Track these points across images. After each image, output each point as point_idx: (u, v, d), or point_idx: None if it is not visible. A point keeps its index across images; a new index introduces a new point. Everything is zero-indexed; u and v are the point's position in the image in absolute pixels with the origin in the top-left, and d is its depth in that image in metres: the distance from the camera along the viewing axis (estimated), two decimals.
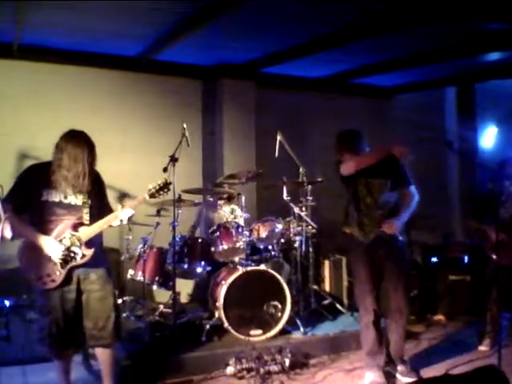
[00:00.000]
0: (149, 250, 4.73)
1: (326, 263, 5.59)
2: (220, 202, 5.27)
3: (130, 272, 4.78)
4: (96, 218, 3.27)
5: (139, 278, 4.69)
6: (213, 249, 4.73)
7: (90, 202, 3.27)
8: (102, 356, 3.34)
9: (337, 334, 4.65)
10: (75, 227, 3.19)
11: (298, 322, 4.62)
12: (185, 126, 4.39)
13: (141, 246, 4.79)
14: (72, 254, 3.15)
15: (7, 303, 4.15)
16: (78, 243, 3.17)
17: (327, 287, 5.57)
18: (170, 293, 4.75)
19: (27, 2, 3.95)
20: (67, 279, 3.17)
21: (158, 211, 4.85)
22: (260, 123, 6.34)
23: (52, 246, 3.12)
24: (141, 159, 5.78)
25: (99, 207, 3.36)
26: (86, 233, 3.20)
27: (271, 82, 6.56)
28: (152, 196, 3.37)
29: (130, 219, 3.37)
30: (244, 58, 5.94)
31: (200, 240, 4.85)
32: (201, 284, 5.34)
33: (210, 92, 6.34)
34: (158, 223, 4.89)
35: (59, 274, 3.14)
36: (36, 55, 5.37)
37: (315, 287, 5.21)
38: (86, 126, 3.34)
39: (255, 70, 6.28)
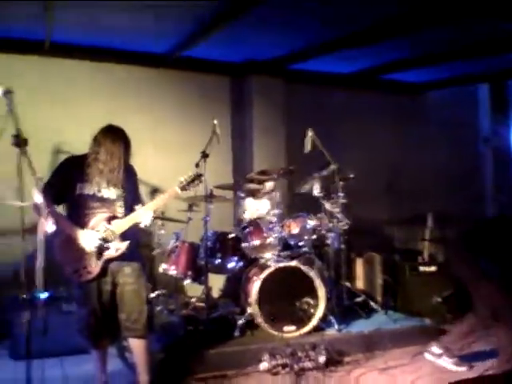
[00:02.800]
0: (181, 244, 4.75)
1: (359, 260, 5.53)
2: (251, 198, 5.24)
3: (163, 266, 4.79)
4: (129, 212, 3.30)
5: (171, 272, 4.71)
6: (244, 244, 4.72)
7: (123, 195, 3.31)
8: (136, 347, 3.37)
9: (371, 331, 4.58)
10: (109, 220, 3.22)
11: (332, 318, 4.57)
12: (215, 122, 4.39)
13: (173, 240, 4.82)
14: (106, 247, 3.18)
15: (44, 296, 4.19)
16: (112, 236, 3.20)
17: (360, 285, 5.50)
18: (202, 287, 4.77)
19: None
20: (103, 271, 3.22)
21: (190, 206, 4.87)
22: (289, 119, 6.30)
23: (88, 238, 3.15)
24: (172, 155, 5.80)
25: (132, 201, 3.39)
26: (120, 226, 3.23)
27: (300, 78, 6.52)
28: (183, 189, 3.39)
29: (153, 219, 3.36)
30: (272, 54, 5.90)
31: (231, 236, 4.84)
32: (232, 279, 5.34)
33: (238, 88, 6.32)
34: (189, 218, 4.91)
35: (95, 266, 3.18)
36: (67, 52, 5.42)
37: (348, 284, 5.15)
38: (117, 123, 3.37)
39: (284, 66, 6.24)
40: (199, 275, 4.68)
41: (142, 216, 3.28)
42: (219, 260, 4.67)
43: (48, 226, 2.67)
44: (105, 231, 3.19)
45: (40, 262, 2.37)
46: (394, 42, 5.16)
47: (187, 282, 4.78)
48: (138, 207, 3.33)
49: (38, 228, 2.41)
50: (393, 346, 4.47)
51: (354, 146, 6.66)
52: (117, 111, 5.41)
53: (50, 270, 3.06)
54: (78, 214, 3.23)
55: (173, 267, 4.68)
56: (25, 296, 2.46)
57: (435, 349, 4.05)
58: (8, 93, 2.35)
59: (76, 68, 5.53)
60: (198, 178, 3.43)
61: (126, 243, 3.25)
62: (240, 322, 4.37)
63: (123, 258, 3.27)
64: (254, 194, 5.16)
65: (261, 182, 5.17)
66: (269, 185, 5.00)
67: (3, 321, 4.33)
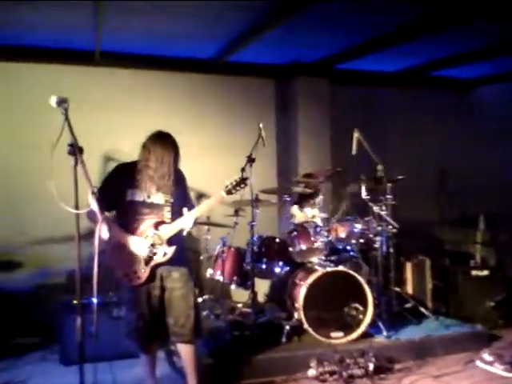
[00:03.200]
0: (227, 249, 4.75)
1: (408, 265, 5.37)
2: (297, 202, 5.18)
3: (209, 271, 4.82)
4: (177, 216, 3.33)
5: (218, 277, 4.72)
6: (290, 249, 4.68)
7: (171, 200, 3.33)
8: (184, 352, 3.39)
9: (422, 338, 4.45)
10: (157, 226, 3.25)
11: (381, 325, 4.46)
12: (261, 125, 4.35)
13: (219, 245, 4.82)
14: (155, 252, 3.21)
15: (95, 300, 4.28)
16: (159, 241, 3.23)
17: (410, 290, 5.35)
18: (248, 292, 4.75)
19: (106, 8, 4.07)
20: (151, 276, 3.26)
21: (236, 211, 4.87)
22: (334, 121, 6.21)
23: (138, 244, 3.20)
24: (217, 160, 5.83)
25: (181, 205, 3.42)
26: (167, 231, 3.25)
27: (345, 78, 6.42)
28: (229, 192, 3.37)
29: (195, 224, 3.37)
30: (318, 54, 5.83)
31: (277, 240, 4.81)
32: (278, 284, 5.30)
33: (283, 91, 6.29)
34: (235, 223, 4.91)
35: (144, 272, 3.22)
36: (115, 61, 5.55)
37: (397, 289, 5.01)
38: (165, 128, 3.39)
39: (329, 66, 6.16)
40: (245, 280, 4.67)
41: (185, 224, 3.29)
42: (265, 265, 4.64)
43: (103, 232, 2.72)
44: (152, 236, 3.23)
45: (96, 268, 2.40)
46: (443, 36, 5.01)
47: (233, 287, 4.78)
48: (185, 212, 3.34)
49: (95, 234, 2.44)
50: (444, 353, 4.36)
51: (401, 146, 6.51)
52: (164, 117, 5.49)
53: (101, 275, 3.14)
54: (128, 219, 3.28)
55: (219, 272, 4.69)
56: (77, 301, 2.48)
57: (487, 356, 3.92)
58: (63, 102, 2.37)
59: (125, 76, 5.65)
60: (243, 181, 3.41)
61: (173, 248, 3.27)
62: (287, 327, 4.33)
63: (171, 262, 3.30)
64: (300, 198, 5.10)
65: (307, 186, 5.11)
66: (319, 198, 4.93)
67: (54, 325, 4.46)
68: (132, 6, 4.14)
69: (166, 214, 3.32)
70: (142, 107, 5.64)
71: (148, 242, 3.22)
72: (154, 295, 3.28)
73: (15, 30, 4.72)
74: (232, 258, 4.73)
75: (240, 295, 5.31)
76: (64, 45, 5.21)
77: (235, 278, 4.71)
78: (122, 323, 3.66)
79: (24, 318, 4.82)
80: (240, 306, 4.97)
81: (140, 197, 3.28)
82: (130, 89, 5.67)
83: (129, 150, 3.48)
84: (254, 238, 4.47)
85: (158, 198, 3.30)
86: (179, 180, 3.41)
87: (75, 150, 2.33)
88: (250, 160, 4.19)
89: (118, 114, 5.58)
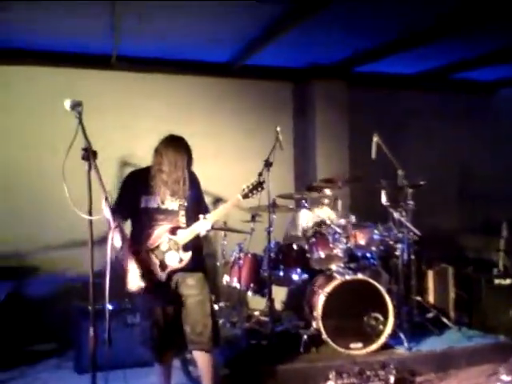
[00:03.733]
0: (244, 256, 4.66)
1: (430, 273, 5.22)
2: (315, 207, 5.08)
3: (226, 278, 4.74)
4: (192, 221, 3.26)
5: (234, 284, 4.63)
6: (309, 256, 4.57)
7: (186, 205, 3.27)
8: (201, 361, 3.32)
9: (444, 349, 4.33)
10: (173, 231, 3.18)
11: (402, 335, 4.33)
12: (278, 129, 4.27)
13: (236, 251, 4.74)
14: (170, 257, 3.13)
15: (109, 307, 4.23)
16: (176, 247, 3.15)
17: (431, 299, 5.20)
18: (265, 299, 4.66)
19: (123, 12, 4.04)
20: (167, 283, 3.18)
21: (253, 217, 4.77)
22: (353, 124, 6.11)
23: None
24: (234, 164, 5.77)
25: (196, 209, 3.36)
26: (183, 236, 3.18)
27: (364, 80, 6.32)
28: (245, 196, 3.31)
29: (209, 231, 3.28)
30: (336, 57, 5.75)
31: (295, 247, 4.70)
32: (295, 291, 5.19)
33: (301, 94, 6.21)
34: (252, 229, 4.81)
35: (158, 279, 3.14)
36: (131, 65, 5.53)
37: (418, 298, 4.87)
38: (181, 132, 3.33)
39: (348, 69, 6.07)
40: (262, 287, 4.58)
41: (205, 226, 3.21)
42: (283, 272, 4.54)
43: (115, 240, 2.65)
44: (168, 242, 3.15)
45: (108, 275, 2.33)
46: (464, 37, 4.90)
47: (250, 294, 4.69)
48: (201, 217, 3.26)
49: (108, 242, 2.37)
50: (467, 365, 4.25)
51: (422, 151, 6.37)
52: (181, 121, 5.44)
53: (115, 282, 3.07)
54: (142, 226, 3.21)
55: (235, 279, 4.60)
56: (91, 308, 2.41)
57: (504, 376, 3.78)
58: (77, 105, 2.31)
59: (141, 80, 5.63)
60: (260, 185, 3.35)
61: (190, 254, 3.20)
62: (305, 337, 4.23)
63: (187, 268, 3.22)
64: (318, 203, 5.00)
65: (323, 191, 5.01)
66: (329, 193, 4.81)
67: (69, 332, 4.42)
68: (148, 10, 4.11)
69: (181, 218, 3.26)
70: (157, 111, 5.61)
71: (162, 248, 3.15)
72: (170, 302, 3.21)
73: (32, 34, 4.73)
74: (249, 265, 4.64)
75: (257, 302, 5.21)
76: (80, 49, 5.22)
77: (252, 284, 4.62)
78: (136, 330, 3.59)
79: (39, 324, 4.81)
80: (257, 313, 4.88)
81: (154, 203, 3.21)
82: (146, 93, 5.64)
83: (144, 154, 3.42)
84: (271, 245, 4.38)
85: (173, 203, 3.24)
86: (193, 183, 3.35)
87: (89, 154, 2.25)
88: (268, 164, 4.12)
89: (133, 118, 5.56)
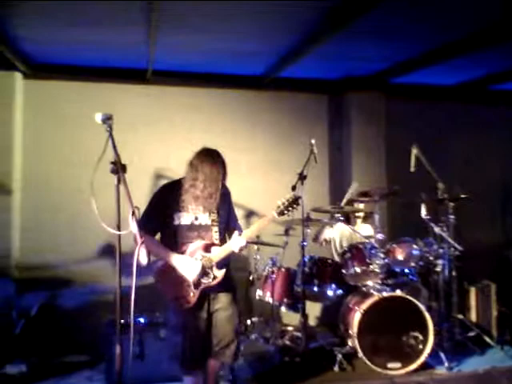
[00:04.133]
0: (277, 270, 4.57)
1: (473, 290, 5.02)
2: (351, 221, 4.95)
3: (258, 292, 4.66)
4: (224, 236, 3.21)
5: (267, 298, 4.54)
6: (344, 271, 4.43)
7: (218, 219, 3.21)
8: (214, 367, 3.28)
9: (487, 369, 4.14)
10: (206, 248, 3.13)
11: (442, 355, 4.15)
12: (313, 141, 4.19)
13: (269, 265, 4.65)
14: (205, 275, 3.08)
15: (142, 320, 4.22)
16: (209, 264, 3.09)
17: (473, 317, 4.98)
18: (298, 315, 4.55)
19: (158, 26, 4.06)
20: (200, 300, 3.12)
21: (287, 230, 4.69)
22: (390, 137, 5.97)
23: (190, 265, 3.06)
24: (267, 177, 5.71)
25: (227, 223, 3.30)
26: (217, 254, 3.12)
27: (401, 92, 6.17)
28: (281, 213, 3.18)
29: (243, 248, 3.20)
30: (372, 68, 5.63)
31: (330, 261, 4.59)
32: (329, 307, 5.06)
33: (336, 107, 6.11)
34: (286, 243, 4.73)
35: (193, 296, 3.09)
36: (166, 79, 5.56)
37: (460, 316, 4.67)
38: (214, 145, 3.28)
39: (384, 80, 5.94)
40: (295, 302, 4.47)
41: (240, 243, 3.15)
42: (317, 287, 4.40)
43: (141, 257, 2.60)
44: (202, 259, 3.10)
45: (134, 292, 2.28)
46: (505, 47, 4.69)
47: (283, 309, 4.59)
48: (236, 234, 3.19)
49: (134, 257, 2.32)
50: None
51: (462, 163, 6.16)
52: (214, 134, 5.41)
53: (147, 295, 3.04)
54: (174, 243, 3.15)
55: (268, 294, 4.51)
56: (122, 321, 2.36)
57: None
58: (108, 119, 2.30)
59: (175, 94, 5.65)
60: (295, 201, 3.22)
61: (223, 271, 3.15)
62: (339, 355, 4.09)
63: (219, 285, 3.16)
64: (354, 217, 4.87)
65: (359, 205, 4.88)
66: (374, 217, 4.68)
67: (100, 344, 4.40)
68: (183, 24, 4.12)
69: (214, 234, 3.19)
70: (191, 124, 5.62)
71: (199, 265, 3.10)
72: (203, 318, 3.16)
73: (67, 49, 4.81)
74: (282, 279, 4.55)
75: (290, 317, 5.11)
76: (116, 64, 5.29)
77: (285, 299, 4.51)
78: (167, 344, 3.54)
79: (72, 336, 4.82)
80: (290, 329, 4.78)
81: (187, 220, 3.16)
82: (180, 106, 5.66)
83: (177, 166, 3.40)
84: (305, 259, 4.28)
85: (206, 218, 3.19)
86: (225, 197, 3.29)
87: (118, 167, 2.22)
88: (302, 177, 4.04)
89: (167, 132, 5.58)
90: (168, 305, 3.23)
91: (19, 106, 5.21)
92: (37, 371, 4.29)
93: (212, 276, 3.11)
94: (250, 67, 5.54)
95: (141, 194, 3.65)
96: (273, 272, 4.55)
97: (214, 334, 3.17)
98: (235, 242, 3.12)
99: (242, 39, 4.58)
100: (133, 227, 2.29)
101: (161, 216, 3.16)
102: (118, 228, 2.25)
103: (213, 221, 3.19)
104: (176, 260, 3.08)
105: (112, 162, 2.24)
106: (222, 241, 3.21)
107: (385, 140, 5.96)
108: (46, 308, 4.80)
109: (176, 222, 3.15)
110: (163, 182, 5.04)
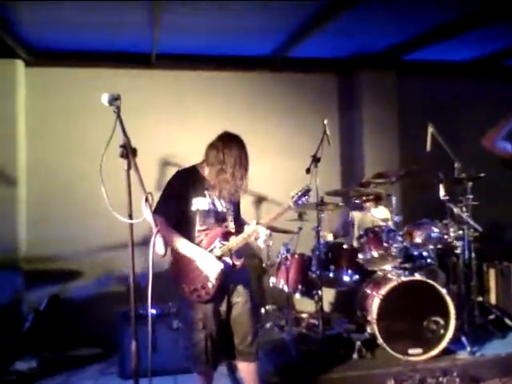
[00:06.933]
0: (291, 256, 4.44)
1: (492, 272, 4.88)
2: (367, 204, 4.79)
3: (272, 279, 4.53)
4: (236, 225, 3.09)
5: (281, 286, 4.41)
6: (361, 256, 4.28)
7: (232, 207, 3.11)
8: (248, 370, 3.13)
9: (509, 353, 4.00)
10: (224, 236, 3.00)
11: (464, 339, 4.02)
12: (326, 122, 4.03)
13: (282, 252, 4.51)
14: (224, 264, 2.95)
15: (154, 311, 4.11)
16: (228, 253, 2.96)
17: (493, 299, 4.85)
18: (312, 301, 4.43)
19: (162, 8, 3.90)
20: (219, 291, 2.98)
21: (300, 215, 4.54)
22: (402, 116, 5.78)
23: (211, 263, 2.92)
24: (279, 161, 5.55)
25: (236, 211, 3.19)
26: (235, 242, 2.99)
27: (414, 69, 5.97)
28: (295, 204, 3.10)
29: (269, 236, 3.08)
30: (383, 44, 5.44)
31: (346, 246, 4.44)
32: (345, 293, 4.93)
33: (346, 86, 5.93)
34: (300, 228, 4.59)
35: (212, 287, 2.94)
36: (170, 62, 5.42)
37: (479, 299, 4.54)
38: (223, 129, 3.12)
39: (396, 57, 5.74)
40: (310, 289, 4.33)
41: (259, 232, 3.00)
42: (333, 273, 4.27)
43: (158, 247, 2.45)
44: (220, 248, 2.97)
45: (150, 282, 2.13)
46: None
47: (297, 296, 4.45)
48: (253, 223, 3.05)
49: (150, 246, 2.16)
50: None
51: (476, 142, 5.95)
52: (222, 118, 5.25)
53: (159, 285, 2.91)
54: (192, 230, 3.01)
55: (282, 281, 4.38)
56: (134, 312, 2.23)
57: None
58: (115, 99, 2.10)
59: (180, 78, 5.50)
60: (307, 193, 3.13)
61: (242, 260, 3.03)
62: (358, 343, 3.97)
63: (238, 275, 3.05)
64: (369, 200, 4.71)
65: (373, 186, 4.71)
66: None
67: (113, 336, 4.30)
68: (187, 5, 3.95)
69: (230, 223, 3.08)
70: (198, 109, 5.48)
71: (215, 253, 2.96)
72: (222, 311, 3.03)
73: (69, 34, 4.68)
74: (296, 266, 4.41)
75: (304, 304, 5.00)
76: (119, 47, 5.14)
77: (300, 286, 4.38)
78: (180, 338, 3.43)
79: (83, 328, 4.73)
80: (305, 316, 4.66)
81: (205, 205, 3.02)
82: (186, 90, 5.52)
83: (186, 152, 3.26)
84: (320, 244, 4.14)
85: (222, 205, 3.06)
86: None
87: (128, 151, 2.06)
88: (315, 160, 3.89)
89: (174, 117, 5.45)
90: (183, 300, 3.05)
91: (22, 95, 5.09)
92: (48, 366, 4.22)
93: (231, 265, 2.98)
94: (257, 47, 5.35)
95: (148, 181, 3.51)
96: (286, 258, 4.42)
97: (236, 331, 3.04)
98: (256, 231, 2.97)
99: (249, 16, 4.41)
100: (147, 215, 2.13)
101: (178, 202, 3.00)
102: (130, 217, 2.10)
103: (228, 209, 3.08)
104: (197, 255, 2.94)
105: (121, 146, 2.07)
106: (237, 229, 3.08)
107: (397, 119, 5.78)
108: (55, 300, 4.71)
109: (194, 208, 3.01)
110: (170, 168, 4.94)
